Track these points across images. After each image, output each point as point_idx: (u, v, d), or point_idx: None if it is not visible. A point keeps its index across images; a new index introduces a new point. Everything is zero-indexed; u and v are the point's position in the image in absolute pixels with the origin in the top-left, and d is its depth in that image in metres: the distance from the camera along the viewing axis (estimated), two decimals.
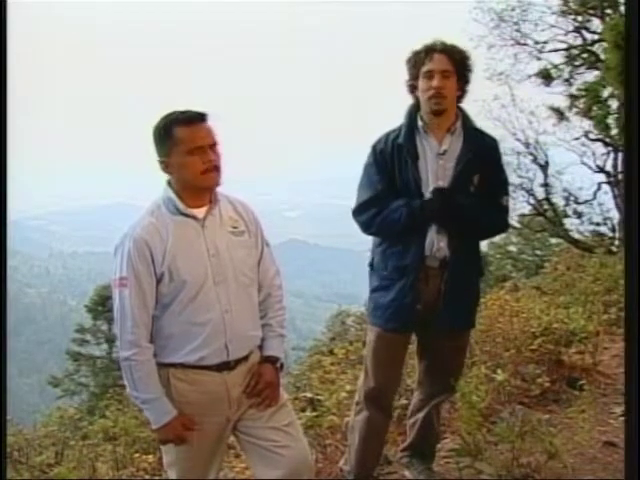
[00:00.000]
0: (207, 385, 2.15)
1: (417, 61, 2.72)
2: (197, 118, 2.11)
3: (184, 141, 2.08)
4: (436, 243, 2.72)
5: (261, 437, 2.21)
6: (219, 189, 2.23)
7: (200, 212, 2.16)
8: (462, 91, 2.76)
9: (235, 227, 2.22)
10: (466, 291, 2.82)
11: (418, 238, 2.72)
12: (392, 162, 2.74)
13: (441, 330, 2.80)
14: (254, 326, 2.25)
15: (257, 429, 2.22)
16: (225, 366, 2.16)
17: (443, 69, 2.67)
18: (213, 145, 2.12)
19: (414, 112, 2.78)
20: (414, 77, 2.74)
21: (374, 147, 2.80)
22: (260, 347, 2.29)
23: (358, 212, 2.81)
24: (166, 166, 2.14)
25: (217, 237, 2.16)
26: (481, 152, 2.75)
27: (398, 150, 2.73)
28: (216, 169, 2.12)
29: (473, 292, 2.90)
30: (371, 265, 2.88)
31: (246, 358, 2.22)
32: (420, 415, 3.04)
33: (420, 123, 2.75)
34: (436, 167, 2.71)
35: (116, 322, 2.15)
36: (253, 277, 2.25)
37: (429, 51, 2.70)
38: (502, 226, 2.99)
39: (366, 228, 2.82)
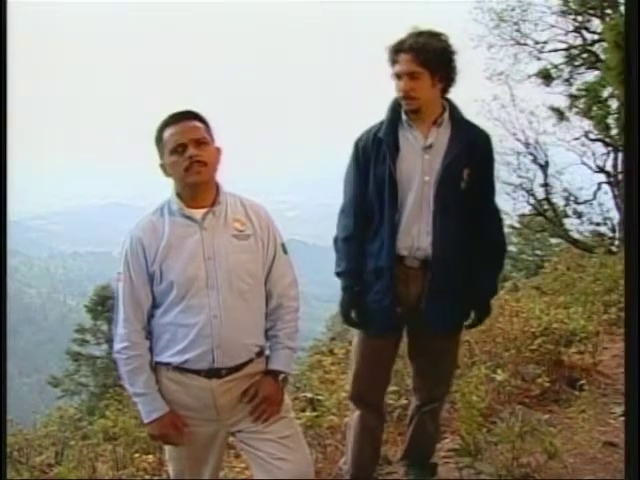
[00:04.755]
0: (194, 389, 2.13)
1: (389, 58, 2.57)
2: (181, 117, 2.10)
3: (168, 141, 2.09)
4: (416, 243, 2.58)
5: (257, 448, 2.17)
6: (235, 191, 2.20)
7: (200, 213, 2.12)
8: (445, 83, 2.57)
9: (240, 230, 2.14)
10: (451, 293, 2.61)
11: (390, 238, 2.57)
12: (371, 158, 2.60)
13: (424, 333, 2.68)
14: (250, 334, 2.16)
15: (253, 440, 2.18)
16: (214, 373, 2.11)
17: (410, 71, 2.50)
18: (199, 141, 2.08)
19: (397, 105, 2.61)
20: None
21: (356, 144, 2.66)
22: (267, 358, 2.22)
23: (341, 213, 2.72)
24: (164, 169, 2.15)
25: (216, 239, 2.11)
26: (470, 145, 2.57)
27: (378, 145, 2.58)
28: (202, 164, 2.06)
29: (461, 294, 2.66)
30: None
31: (238, 368, 2.14)
32: (414, 422, 2.92)
33: (404, 116, 2.59)
34: (422, 162, 2.56)
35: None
36: (253, 283, 2.15)
37: (396, 51, 2.53)
38: (502, 240, 2.76)
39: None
